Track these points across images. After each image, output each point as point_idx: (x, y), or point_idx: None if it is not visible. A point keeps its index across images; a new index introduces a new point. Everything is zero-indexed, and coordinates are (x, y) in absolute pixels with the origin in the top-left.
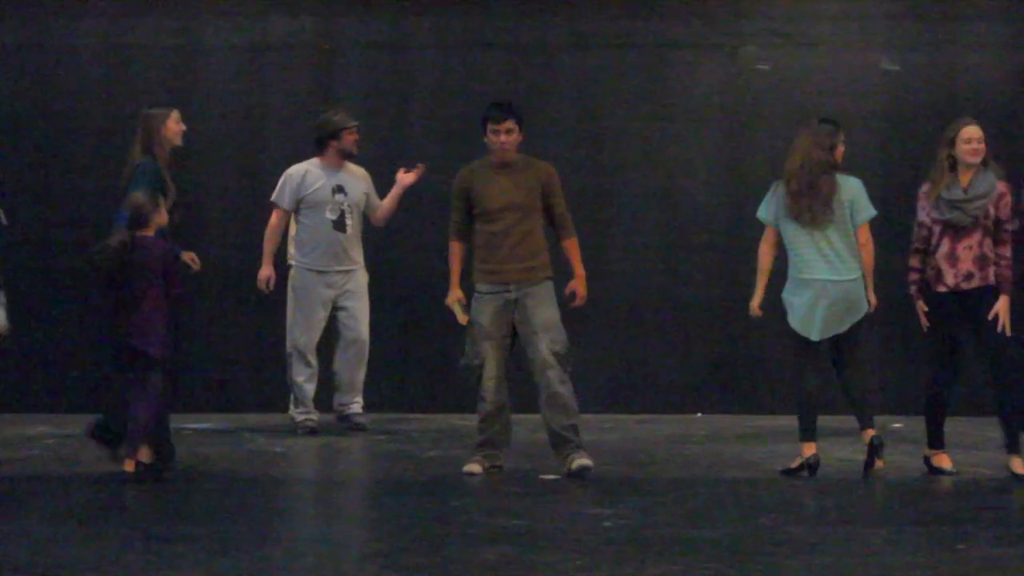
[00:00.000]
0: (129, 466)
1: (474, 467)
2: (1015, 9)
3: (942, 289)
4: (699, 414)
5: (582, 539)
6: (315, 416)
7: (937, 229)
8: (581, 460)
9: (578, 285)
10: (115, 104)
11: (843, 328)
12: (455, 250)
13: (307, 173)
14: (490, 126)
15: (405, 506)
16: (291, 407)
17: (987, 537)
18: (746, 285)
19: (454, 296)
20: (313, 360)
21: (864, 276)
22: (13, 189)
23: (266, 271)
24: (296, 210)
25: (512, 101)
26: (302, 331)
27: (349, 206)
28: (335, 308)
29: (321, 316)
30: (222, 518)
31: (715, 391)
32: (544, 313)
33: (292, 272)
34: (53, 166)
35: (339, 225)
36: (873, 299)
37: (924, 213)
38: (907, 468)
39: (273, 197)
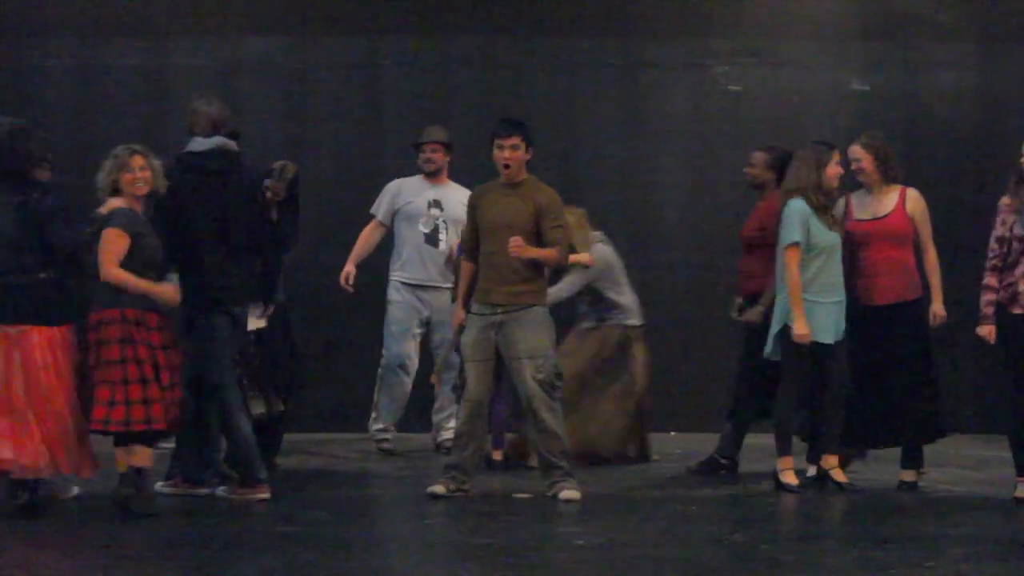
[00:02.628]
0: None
1: (438, 488)
2: (984, 29)
3: (1018, 311)
4: (673, 432)
5: (554, 557)
6: (390, 436)
7: (1019, 246)
8: (569, 492)
9: (523, 244)
10: (86, 125)
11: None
12: (464, 269)
13: (404, 185)
14: (496, 141)
15: (378, 525)
16: (371, 424)
17: (956, 555)
18: (718, 302)
19: (457, 318)
20: (403, 378)
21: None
22: None
23: (346, 267)
24: (393, 223)
25: (523, 120)
26: (393, 345)
27: (444, 221)
28: (429, 331)
29: (414, 332)
30: (196, 538)
31: (690, 409)
32: (529, 339)
33: (389, 286)
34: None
35: (431, 239)
36: (797, 326)
37: (1005, 227)
38: (879, 487)
39: (372, 208)
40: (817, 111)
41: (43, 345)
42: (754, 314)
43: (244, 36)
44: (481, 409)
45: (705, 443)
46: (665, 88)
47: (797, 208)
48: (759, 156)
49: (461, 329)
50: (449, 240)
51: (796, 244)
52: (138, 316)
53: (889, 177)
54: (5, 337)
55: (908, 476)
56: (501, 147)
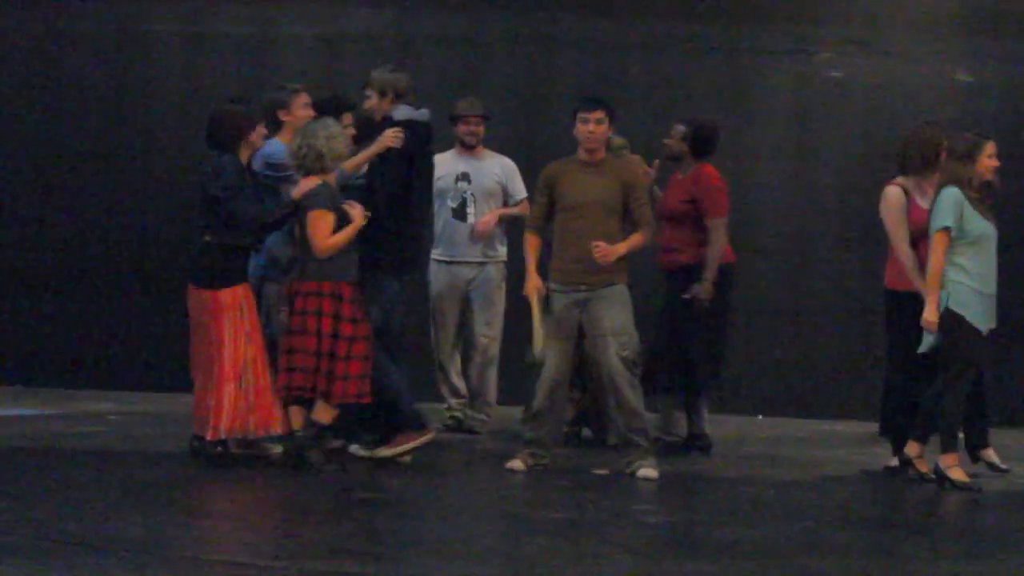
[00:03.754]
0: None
1: (517, 463)
2: None
3: None
4: (760, 416)
5: (623, 534)
6: (457, 413)
7: None
8: (647, 471)
9: (608, 247)
10: (191, 92)
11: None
12: (531, 242)
13: (436, 161)
14: (580, 115)
15: (453, 495)
16: None
17: None
18: (814, 290)
19: (532, 284)
20: (445, 356)
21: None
22: (88, 176)
23: None
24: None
25: (603, 97)
26: (434, 324)
27: (472, 194)
28: (464, 306)
29: (453, 309)
30: (273, 502)
31: (777, 393)
32: (613, 317)
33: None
34: (127, 154)
35: (459, 214)
36: (927, 312)
37: None
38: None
39: None
40: (919, 102)
41: (197, 306)
42: (704, 290)
43: (349, 6)
44: (560, 387)
45: (793, 429)
46: (766, 74)
47: (951, 194)
48: (678, 129)
49: (540, 296)
50: (478, 212)
51: (946, 229)
52: (334, 289)
53: None
54: (190, 296)
55: (915, 450)
56: (586, 120)
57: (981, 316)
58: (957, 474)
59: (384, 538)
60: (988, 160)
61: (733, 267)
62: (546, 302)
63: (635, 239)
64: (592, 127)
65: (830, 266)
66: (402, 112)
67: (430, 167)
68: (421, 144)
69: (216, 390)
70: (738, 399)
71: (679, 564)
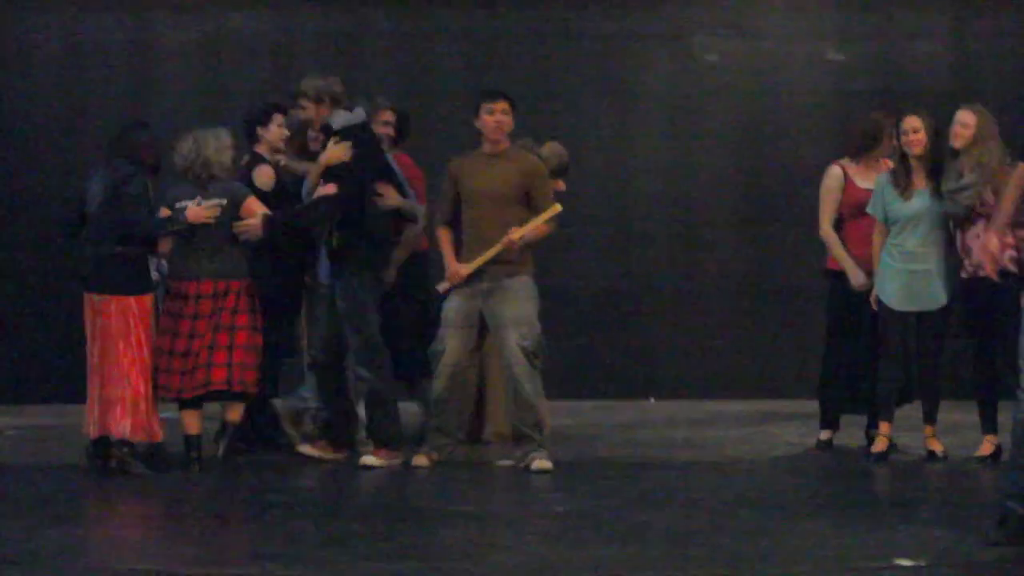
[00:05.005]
0: None
1: (421, 460)
2: None
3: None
4: (652, 400)
5: (535, 523)
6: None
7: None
8: (541, 462)
9: (517, 231)
10: (70, 101)
11: None
12: (443, 233)
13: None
14: (484, 106)
15: (363, 493)
16: None
17: (926, 518)
18: (697, 271)
19: (453, 269)
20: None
21: None
22: None
23: None
24: None
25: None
26: (308, 323)
27: None
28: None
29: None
30: (178, 506)
31: (669, 377)
32: (515, 307)
33: None
34: (8, 164)
35: None
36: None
37: None
38: (857, 453)
39: None
40: (792, 81)
41: (118, 313)
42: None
43: (227, 10)
44: (460, 374)
45: (686, 410)
46: (643, 59)
47: (877, 181)
48: (390, 115)
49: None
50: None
51: (872, 215)
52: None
53: None
54: (91, 305)
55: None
56: (492, 111)
57: (897, 295)
58: (878, 444)
59: (302, 539)
60: (902, 136)
61: (425, 256)
62: (449, 292)
63: (541, 230)
64: (499, 117)
65: (715, 248)
66: (339, 118)
67: (385, 164)
68: (368, 146)
69: (148, 391)
70: (630, 383)
71: (594, 550)
